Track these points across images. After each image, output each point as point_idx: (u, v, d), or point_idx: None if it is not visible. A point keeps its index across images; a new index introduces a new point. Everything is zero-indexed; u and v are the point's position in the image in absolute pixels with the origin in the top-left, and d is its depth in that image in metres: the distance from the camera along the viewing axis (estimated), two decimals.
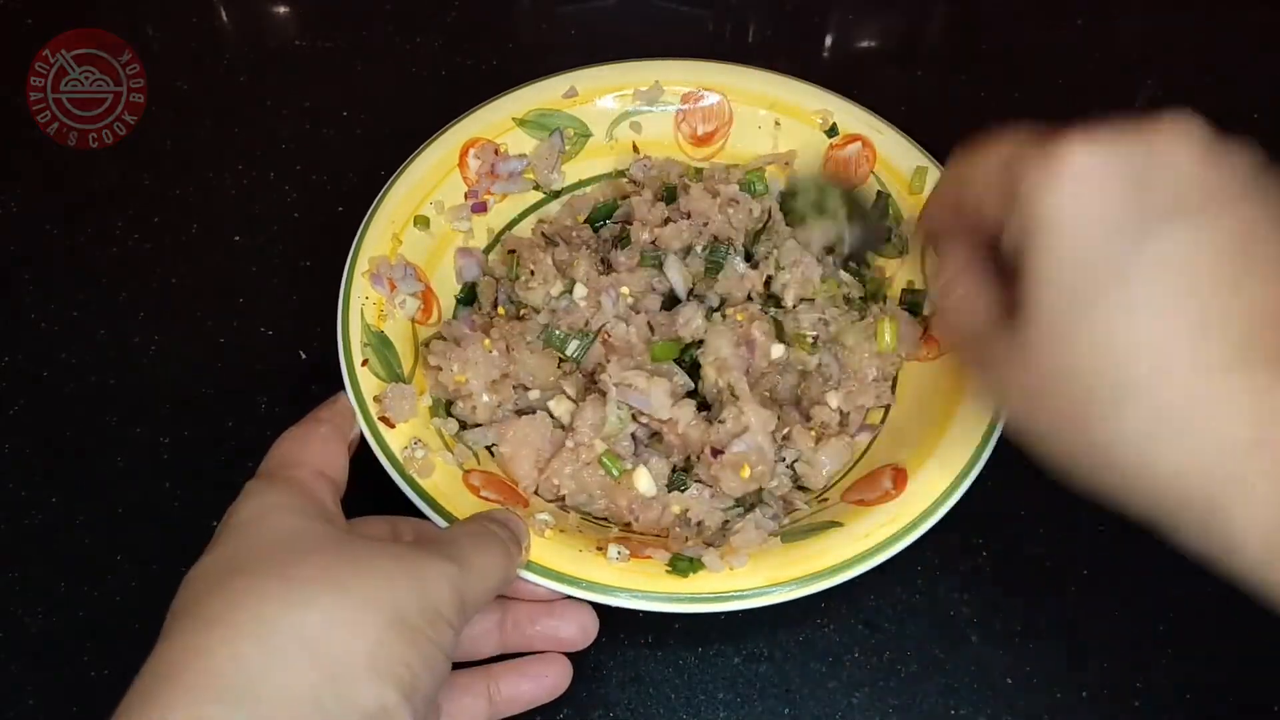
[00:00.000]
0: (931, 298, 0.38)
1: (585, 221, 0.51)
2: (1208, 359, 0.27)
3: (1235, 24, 0.67)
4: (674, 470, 0.43)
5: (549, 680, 0.39)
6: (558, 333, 0.45)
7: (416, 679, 0.29)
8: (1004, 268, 0.32)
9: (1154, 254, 0.28)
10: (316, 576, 0.29)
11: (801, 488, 0.44)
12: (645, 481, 0.42)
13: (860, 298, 0.49)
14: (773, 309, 0.46)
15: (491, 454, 0.44)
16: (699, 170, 0.53)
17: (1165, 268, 0.28)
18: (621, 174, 0.53)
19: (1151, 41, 0.66)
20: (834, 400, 0.44)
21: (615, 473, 0.42)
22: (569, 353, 0.45)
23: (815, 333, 0.46)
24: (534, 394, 0.46)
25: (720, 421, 0.42)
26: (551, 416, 0.45)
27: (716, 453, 0.42)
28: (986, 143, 0.33)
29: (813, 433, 0.44)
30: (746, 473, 0.41)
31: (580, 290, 0.46)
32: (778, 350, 0.45)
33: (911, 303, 0.48)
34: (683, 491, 0.42)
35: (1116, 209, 0.28)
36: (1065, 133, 0.29)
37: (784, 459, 0.44)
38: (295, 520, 0.32)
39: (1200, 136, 0.29)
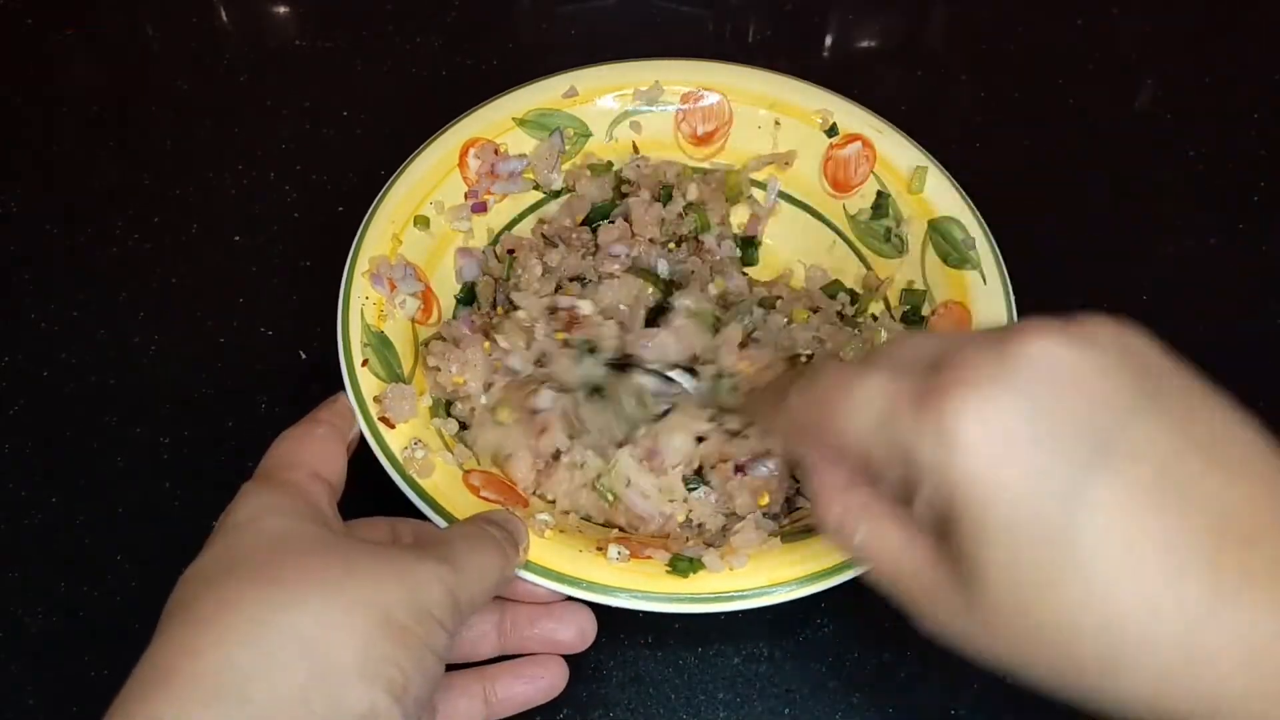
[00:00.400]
0: (823, 528, 0.31)
1: (583, 223, 0.51)
2: (1193, 608, 0.24)
3: (1235, 24, 0.67)
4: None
5: (545, 681, 0.39)
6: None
7: (408, 680, 0.29)
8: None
9: (1098, 504, 0.24)
10: (307, 578, 0.30)
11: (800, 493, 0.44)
12: (642, 505, 0.42)
13: (853, 315, 0.49)
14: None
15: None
16: (695, 170, 0.53)
17: (1113, 517, 0.24)
18: (610, 165, 0.53)
19: (1151, 41, 0.66)
20: None
21: (609, 499, 0.42)
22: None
23: (810, 351, 0.45)
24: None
25: (744, 437, 0.42)
26: None
27: (739, 469, 0.42)
28: (844, 390, 0.28)
29: None
30: (765, 500, 0.41)
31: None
32: None
33: (909, 312, 0.48)
34: (691, 491, 0.42)
35: (1038, 464, 0.24)
36: (934, 378, 0.26)
37: None
38: (289, 522, 0.32)
39: (1064, 339, 0.25)
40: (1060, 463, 0.25)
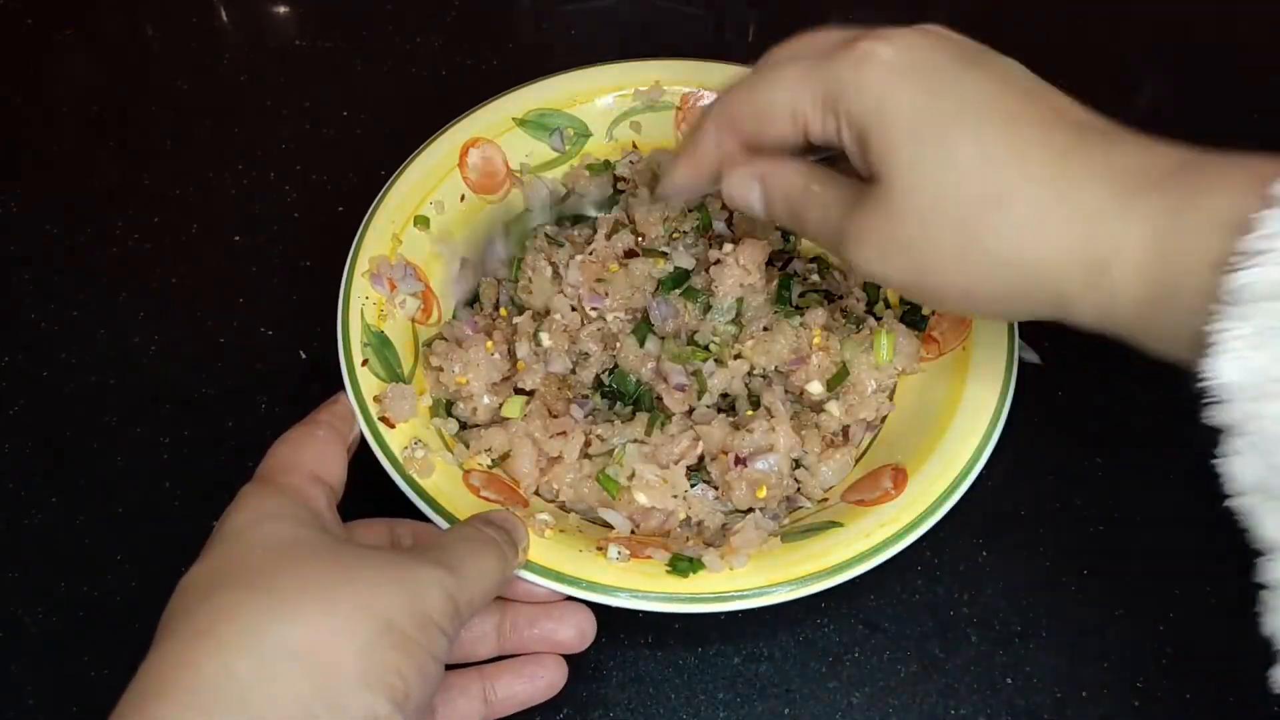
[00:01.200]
0: (733, 197, 0.39)
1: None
2: (1052, 148, 0.32)
3: (1235, 24, 0.67)
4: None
5: (544, 680, 0.39)
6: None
7: (409, 687, 0.29)
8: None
9: (972, 90, 0.33)
10: (306, 586, 0.29)
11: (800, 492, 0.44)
12: (645, 496, 0.42)
13: (859, 313, 0.49)
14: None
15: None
16: None
17: (986, 95, 0.33)
18: (609, 164, 0.53)
19: (1152, 41, 0.66)
20: (835, 409, 0.44)
21: (614, 493, 0.42)
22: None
23: None
24: None
25: (748, 430, 0.42)
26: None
27: (740, 461, 0.42)
28: (766, 66, 0.38)
29: (823, 438, 0.44)
30: (764, 493, 0.41)
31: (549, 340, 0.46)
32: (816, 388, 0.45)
33: (909, 312, 0.48)
34: (691, 487, 0.42)
35: (931, 72, 0.33)
36: (846, 45, 0.34)
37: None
38: (287, 528, 0.32)
39: (938, 29, 0.35)
40: (942, 68, 0.33)
